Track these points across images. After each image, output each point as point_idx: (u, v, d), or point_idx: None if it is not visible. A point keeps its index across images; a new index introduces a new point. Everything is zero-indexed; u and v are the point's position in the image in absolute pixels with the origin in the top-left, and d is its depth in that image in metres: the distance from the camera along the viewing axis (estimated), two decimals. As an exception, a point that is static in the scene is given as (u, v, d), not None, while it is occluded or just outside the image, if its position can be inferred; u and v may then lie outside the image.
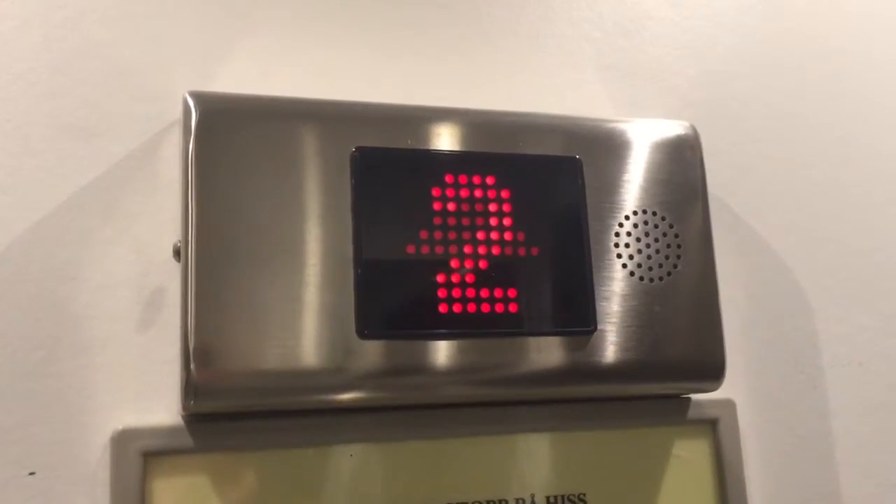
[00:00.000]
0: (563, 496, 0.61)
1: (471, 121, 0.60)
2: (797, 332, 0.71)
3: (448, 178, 0.58)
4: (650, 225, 0.62)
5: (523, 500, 0.60)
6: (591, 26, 0.72)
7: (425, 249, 0.56)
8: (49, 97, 0.58)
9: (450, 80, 0.67)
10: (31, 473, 0.53)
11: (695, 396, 0.65)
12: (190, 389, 0.51)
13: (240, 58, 0.62)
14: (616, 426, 0.63)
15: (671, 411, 0.65)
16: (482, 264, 0.57)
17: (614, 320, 0.59)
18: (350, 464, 0.57)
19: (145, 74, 0.60)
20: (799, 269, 0.72)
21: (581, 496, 0.61)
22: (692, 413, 0.65)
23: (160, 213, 0.58)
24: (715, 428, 0.65)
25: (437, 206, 0.57)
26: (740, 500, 0.64)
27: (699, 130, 0.66)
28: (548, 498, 0.61)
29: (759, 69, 0.76)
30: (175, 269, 0.57)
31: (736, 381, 0.65)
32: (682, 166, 0.64)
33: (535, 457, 0.61)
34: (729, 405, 0.66)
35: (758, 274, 0.71)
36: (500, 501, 0.59)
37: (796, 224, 0.73)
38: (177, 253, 0.55)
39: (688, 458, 0.64)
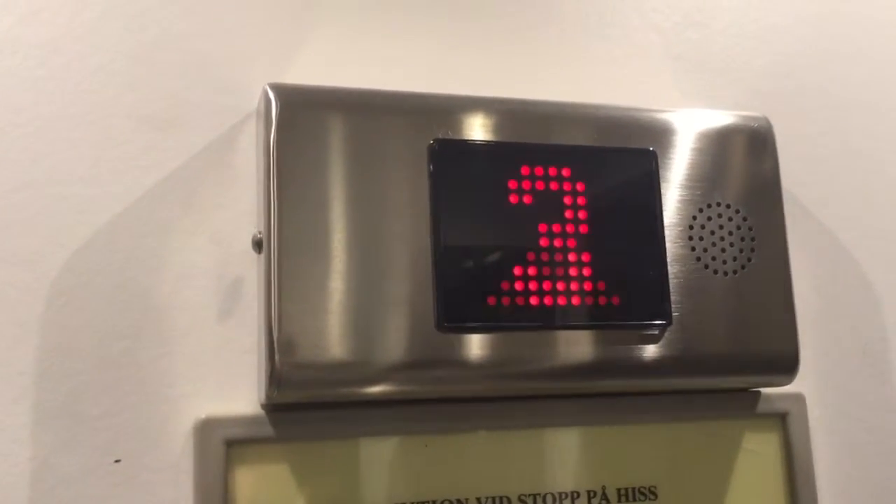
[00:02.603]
0: (633, 488, 0.61)
1: (546, 112, 0.60)
2: (866, 326, 0.71)
3: (524, 170, 0.58)
4: (724, 218, 0.62)
5: (594, 492, 0.60)
6: (659, 16, 0.71)
7: (502, 241, 0.57)
8: (129, 89, 0.58)
9: (518, 71, 0.67)
10: (117, 461, 0.54)
11: (765, 390, 0.65)
12: (274, 379, 0.52)
13: (314, 49, 0.63)
14: (686, 419, 0.63)
15: (741, 405, 0.64)
16: (558, 257, 0.57)
17: (689, 313, 0.59)
18: (425, 454, 0.58)
19: (222, 66, 0.60)
20: (868, 262, 0.72)
21: (651, 489, 0.61)
22: (762, 407, 0.65)
23: (238, 205, 0.59)
24: (785, 422, 0.65)
25: (513, 198, 0.57)
26: (810, 493, 0.64)
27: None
28: (619, 490, 0.61)
29: (829, 59, 0.75)
30: (253, 259, 0.57)
31: (805, 375, 0.65)
32: (756, 158, 0.63)
33: (605, 450, 0.61)
34: (799, 399, 0.66)
35: (826, 267, 0.71)
36: (571, 493, 0.60)
37: (865, 217, 0.73)
38: (256, 244, 0.56)
39: (757, 451, 0.64)
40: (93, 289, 0.55)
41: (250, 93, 0.60)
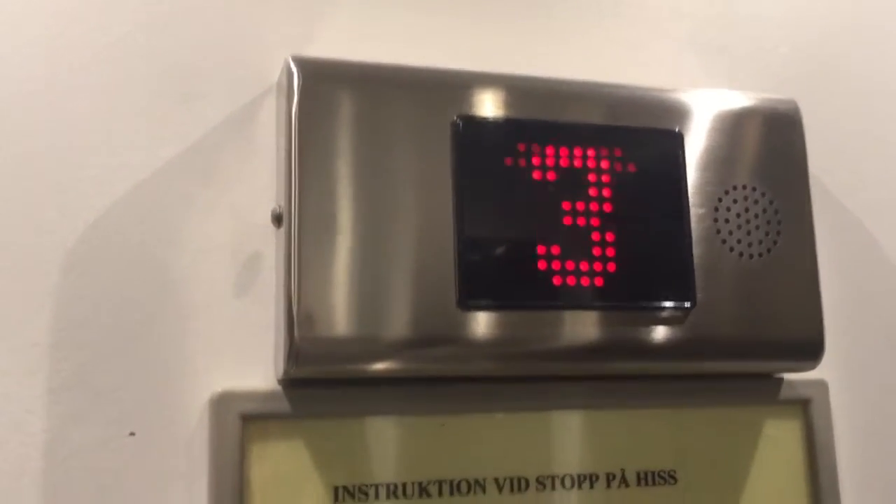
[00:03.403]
0: (653, 472, 0.60)
1: (570, 91, 0.60)
2: (891, 314, 0.70)
3: (549, 149, 0.57)
4: (750, 200, 0.61)
5: (613, 475, 0.60)
6: (686, 0, 0.70)
7: (525, 220, 0.56)
8: (147, 60, 0.58)
9: (541, 50, 0.66)
10: (131, 434, 0.53)
11: (787, 376, 0.64)
12: (292, 353, 0.51)
13: (336, 23, 0.62)
14: (707, 404, 0.62)
15: (763, 391, 0.64)
16: (581, 236, 0.56)
17: (713, 296, 0.58)
18: (442, 434, 0.57)
19: (243, 38, 0.60)
20: (893, 248, 0.70)
21: (671, 473, 0.61)
22: (784, 393, 0.64)
23: (256, 178, 0.58)
24: (807, 408, 0.64)
25: (537, 175, 0.56)
26: (832, 481, 0.63)
27: (794, 106, 0.64)
28: (638, 473, 0.60)
29: (857, 45, 0.74)
30: (271, 234, 0.57)
31: (828, 362, 0.63)
32: (783, 142, 0.62)
33: (626, 433, 0.60)
34: (821, 385, 0.65)
35: (851, 252, 0.70)
36: (590, 475, 0.59)
37: (891, 202, 0.72)
38: (276, 218, 0.55)
39: (779, 438, 0.63)
40: (109, 260, 0.55)
41: (271, 66, 0.59)
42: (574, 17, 0.67)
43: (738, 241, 0.60)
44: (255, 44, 0.60)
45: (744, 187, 0.61)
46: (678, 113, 0.61)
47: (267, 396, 0.54)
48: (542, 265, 0.55)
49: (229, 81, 0.59)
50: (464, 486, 0.57)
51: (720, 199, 0.60)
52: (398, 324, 0.53)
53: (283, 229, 0.54)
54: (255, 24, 0.60)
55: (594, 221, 0.57)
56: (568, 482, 0.58)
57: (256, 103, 0.59)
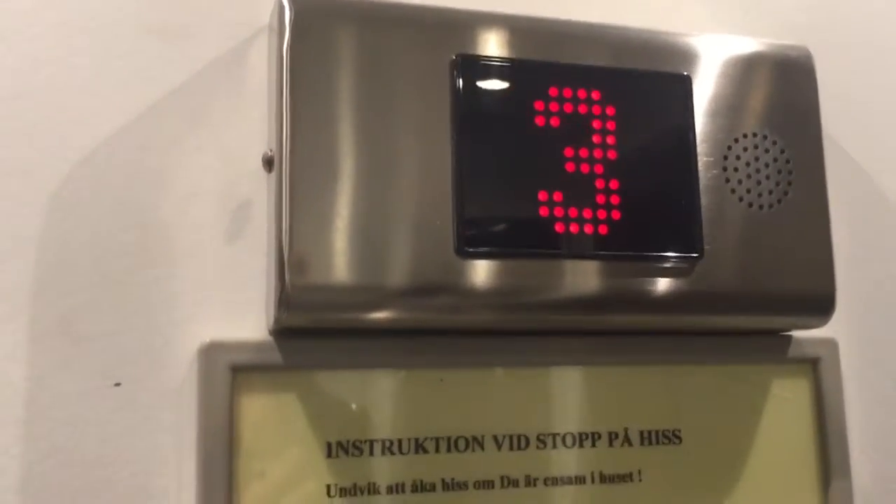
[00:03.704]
0: (657, 431, 0.58)
1: (573, 32, 0.57)
2: (903, 272, 0.68)
3: (552, 92, 0.54)
4: (761, 149, 0.58)
5: (616, 434, 0.58)
6: (694, -58, 0.68)
7: (526, 165, 0.53)
8: (134, -3, 0.55)
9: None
10: (117, 384, 0.51)
11: (796, 334, 0.62)
12: (283, 300, 0.49)
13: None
14: (714, 362, 0.60)
15: (771, 349, 0.61)
16: (584, 182, 0.54)
17: (721, 247, 0.56)
18: (440, 389, 0.55)
19: (234, -24, 0.57)
20: (906, 205, 0.69)
21: (675, 432, 0.59)
22: (793, 352, 0.62)
23: (248, 123, 0.56)
24: (816, 368, 0.62)
25: (539, 119, 0.54)
26: (840, 442, 0.61)
27: (805, 56, 0.62)
28: (641, 433, 0.58)
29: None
30: (263, 180, 0.54)
31: (839, 321, 0.61)
32: (796, 89, 0.60)
33: (629, 390, 0.58)
34: (832, 345, 0.63)
35: (864, 210, 0.68)
36: (592, 434, 0.57)
37: (904, 158, 0.69)
38: (267, 163, 0.53)
39: (787, 398, 0.61)
40: (93, 204, 0.52)
41: (263, 5, 0.56)
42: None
43: (748, 191, 0.57)
44: (247, -18, 0.57)
45: (754, 135, 0.58)
46: (687, 57, 0.58)
47: (258, 347, 0.52)
48: (543, 212, 0.53)
49: (221, 21, 0.56)
50: (461, 443, 0.55)
51: (729, 147, 0.58)
52: (394, 271, 0.51)
53: (274, 173, 0.51)
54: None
55: (598, 168, 0.54)
56: (570, 440, 0.57)
57: (249, 44, 0.57)
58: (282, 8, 0.52)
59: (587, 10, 0.60)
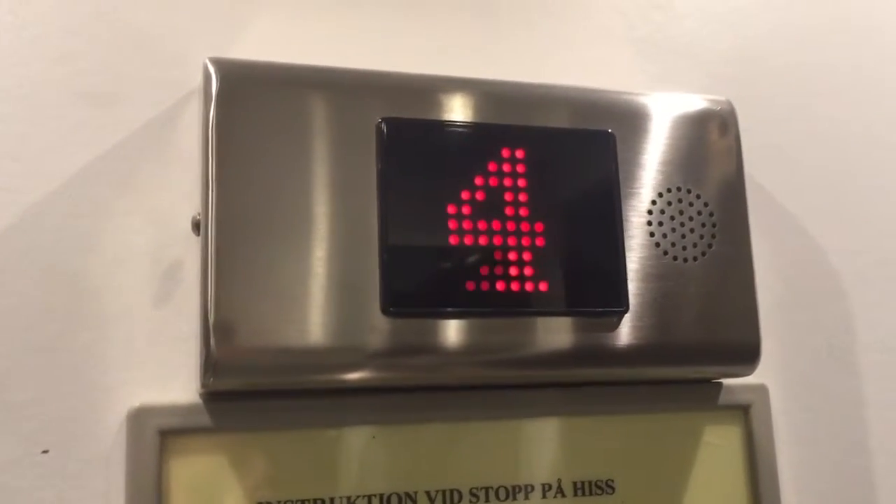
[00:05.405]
0: (590, 482, 0.59)
1: (500, 92, 0.58)
2: (831, 317, 0.69)
3: (476, 152, 0.56)
4: (685, 203, 0.60)
5: (550, 486, 0.58)
6: (622, -2, 0.69)
7: (452, 225, 0.54)
8: (62, 62, 0.56)
9: (474, 50, 0.65)
10: (45, 451, 0.51)
11: (726, 381, 0.63)
12: (210, 365, 0.49)
13: (260, 24, 0.60)
14: (645, 411, 0.61)
15: (702, 396, 0.63)
16: (511, 241, 0.55)
17: (647, 301, 0.57)
18: (373, 446, 0.55)
19: (163, 39, 0.58)
20: (833, 251, 0.70)
21: (609, 482, 0.59)
22: (723, 398, 0.63)
23: (178, 185, 0.56)
24: (747, 414, 0.63)
25: (464, 179, 0.55)
26: (772, 487, 0.62)
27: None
28: (575, 483, 0.59)
29: (794, 44, 0.73)
30: (193, 242, 0.55)
31: (768, 366, 0.63)
32: (718, 142, 0.61)
33: (561, 441, 0.59)
34: (762, 390, 0.64)
35: (790, 255, 0.69)
36: (525, 486, 0.58)
37: (831, 205, 0.71)
38: (196, 226, 0.53)
39: (719, 444, 0.62)
40: (21, 270, 0.53)
41: (193, 68, 0.57)
42: (506, 15, 0.66)
43: (673, 245, 0.59)
44: (177, 46, 0.58)
45: (678, 189, 0.60)
46: (612, 114, 0.59)
47: (187, 410, 0.53)
48: (469, 271, 0.54)
49: (151, 85, 0.57)
50: (394, 500, 0.55)
51: (654, 202, 0.59)
52: (321, 332, 0.51)
53: (200, 236, 0.52)
54: (178, 25, 0.58)
55: (523, 226, 0.55)
56: (503, 493, 0.57)
57: (179, 107, 0.58)
58: (209, 74, 0.53)
59: (513, 69, 0.62)
